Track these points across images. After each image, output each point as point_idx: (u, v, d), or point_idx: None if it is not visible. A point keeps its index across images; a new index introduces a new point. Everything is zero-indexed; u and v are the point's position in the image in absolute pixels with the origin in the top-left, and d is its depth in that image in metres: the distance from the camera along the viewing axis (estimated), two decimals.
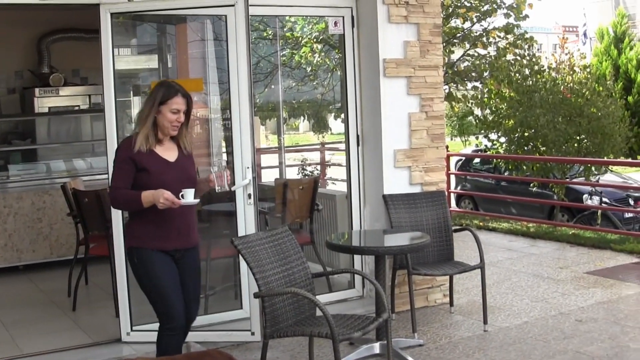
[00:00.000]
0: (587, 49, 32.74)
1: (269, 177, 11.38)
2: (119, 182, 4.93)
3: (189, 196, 4.92)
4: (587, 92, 13.30)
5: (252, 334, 6.44)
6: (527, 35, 15.87)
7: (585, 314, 7.25)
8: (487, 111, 14.98)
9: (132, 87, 8.55)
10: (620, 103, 14.87)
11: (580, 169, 13.85)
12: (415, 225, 7.06)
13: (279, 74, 13.98)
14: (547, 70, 14.19)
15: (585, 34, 35.57)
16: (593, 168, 13.56)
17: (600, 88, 13.61)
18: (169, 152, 5.07)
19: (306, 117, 19.47)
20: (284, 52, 14.48)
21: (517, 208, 15.32)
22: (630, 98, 26.28)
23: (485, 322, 6.87)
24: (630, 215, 13.21)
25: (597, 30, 30.44)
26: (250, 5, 6.22)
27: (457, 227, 7.56)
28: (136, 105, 8.48)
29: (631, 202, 13.90)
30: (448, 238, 7.23)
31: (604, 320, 7.05)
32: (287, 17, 11.83)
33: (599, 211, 12.55)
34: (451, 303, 7.49)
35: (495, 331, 6.82)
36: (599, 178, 13.99)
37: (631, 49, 28.54)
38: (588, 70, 13.98)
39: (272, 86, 14.25)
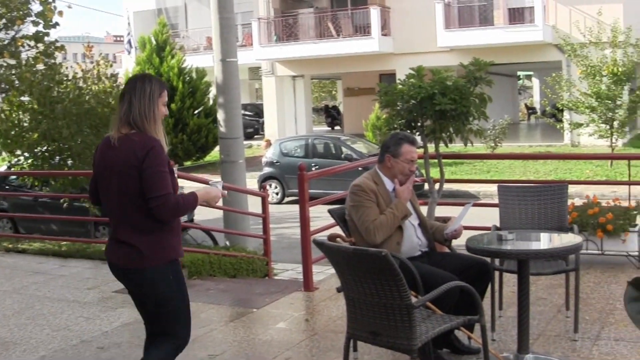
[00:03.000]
0: (133, 57, 33.10)
1: None
2: (170, 187, 4.31)
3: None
4: (113, 101, 12.90)
5: None
6: (57, 44, 15.27)
7: (109, 339, 6.78)
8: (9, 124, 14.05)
9: None
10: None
11: None
12: None
13: None
14: (72, 80, 13.60)
15: (130, 43, 35.93)
16: None
17: None
18: None
19: None
20: None
21: (58, 225, 14.70)
22: (173, 105, 26.68)
23: None
24: None
25: (139, 39, 30.70)
26: None
27: None
28: None
29: None
30: None
31: (128, 344, 6.62)
32: None
33: None
34: None
35: None
36: None
37: (173, 57, 29.12)
38: (114, 79, 13.64)
39: None
